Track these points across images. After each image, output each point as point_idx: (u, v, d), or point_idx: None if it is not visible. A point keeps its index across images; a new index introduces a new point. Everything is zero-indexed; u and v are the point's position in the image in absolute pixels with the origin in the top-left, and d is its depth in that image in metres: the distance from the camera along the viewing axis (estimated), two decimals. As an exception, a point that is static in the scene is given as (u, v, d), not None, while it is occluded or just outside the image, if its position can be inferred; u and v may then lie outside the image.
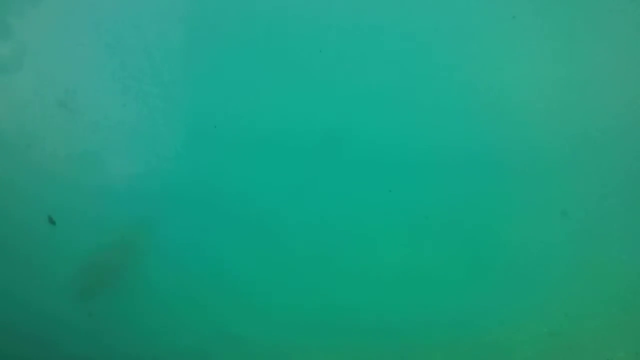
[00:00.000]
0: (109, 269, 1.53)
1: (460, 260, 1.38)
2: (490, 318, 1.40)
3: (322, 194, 1.40)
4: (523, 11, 1.21)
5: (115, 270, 1.53)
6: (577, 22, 1.20)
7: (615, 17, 1.18)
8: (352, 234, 1.42)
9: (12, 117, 1.36)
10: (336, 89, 1.32)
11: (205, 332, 1.56)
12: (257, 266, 1.48)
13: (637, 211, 1.27)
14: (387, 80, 1.30)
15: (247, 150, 1.39)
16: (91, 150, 1.41)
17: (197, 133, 1.41)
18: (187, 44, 1.35)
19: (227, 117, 1.38)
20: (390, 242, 1.40)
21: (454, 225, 1.37)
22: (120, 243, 1.50)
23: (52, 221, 1.42)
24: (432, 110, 1.30)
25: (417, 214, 1.37)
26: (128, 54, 1.35)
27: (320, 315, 1.49)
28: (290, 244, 1.45)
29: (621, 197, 1.28)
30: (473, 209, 1.35)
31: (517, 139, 1.28)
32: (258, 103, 1.36)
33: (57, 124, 1.38)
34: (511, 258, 1.36)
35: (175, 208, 1.46)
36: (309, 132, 1.36)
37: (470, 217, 1.35)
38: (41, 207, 1.44)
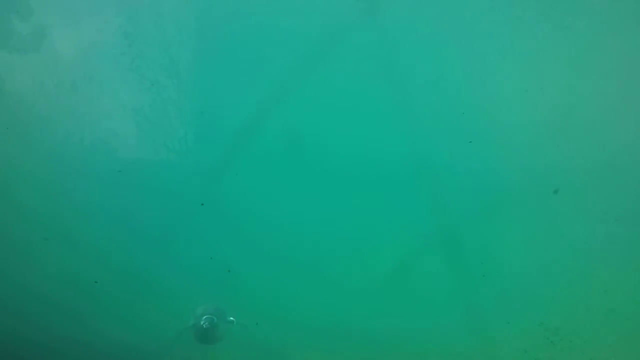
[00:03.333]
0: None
1: (454, 274, 1.42)
2: (480, 330, 1.44)
3: (321, 204, 1.43)
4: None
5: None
6: (597, 40, 1.22)
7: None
8: (350, 245, 1.46)
9: (26, 98, 1.36)
10: (337, 103, 1.35)
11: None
12: (251, 267, 1.51)
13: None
14: (388, 95, 1.33)
15: (253, 153, 1.41)
16: (102, 137, 1.42)
17: (205, 128, 1.43)
18: (205, 40, 1.37)
19: (235, 116, 1.40)
20: (386, 255, 1.44)
21: (448, 239, 1.40)
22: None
23: None
24: (436, 128, 1.33)
25: (414, 228, 1.41)
26: (147, 45, 1.35)
27: (314, 319, 1.53)
28: (289, 251, 1.49)
29: (624, 221, 1.32)
30: (470, 225, 1.38)
31: (520, 160, 1.32)
32: (268, 104, 1.38)
33: (71, 108, 1.38)
34: (505, 275, 1.40)
35: (175, 200, 1.48)
36: (313, 143, 1.39)
37: (466, 232, 1.39)
38: (49, 190, 1.44)
